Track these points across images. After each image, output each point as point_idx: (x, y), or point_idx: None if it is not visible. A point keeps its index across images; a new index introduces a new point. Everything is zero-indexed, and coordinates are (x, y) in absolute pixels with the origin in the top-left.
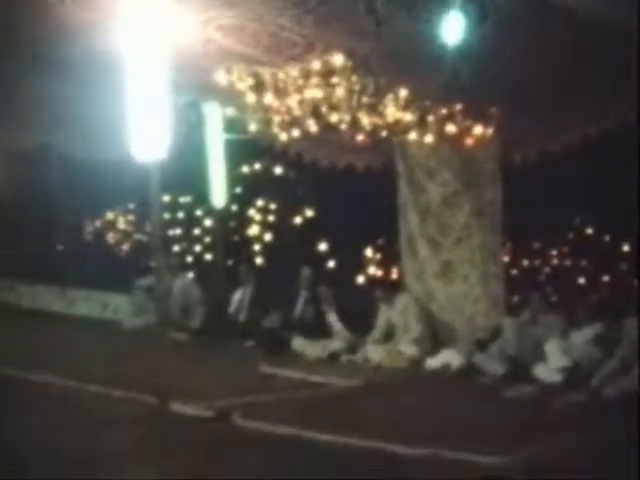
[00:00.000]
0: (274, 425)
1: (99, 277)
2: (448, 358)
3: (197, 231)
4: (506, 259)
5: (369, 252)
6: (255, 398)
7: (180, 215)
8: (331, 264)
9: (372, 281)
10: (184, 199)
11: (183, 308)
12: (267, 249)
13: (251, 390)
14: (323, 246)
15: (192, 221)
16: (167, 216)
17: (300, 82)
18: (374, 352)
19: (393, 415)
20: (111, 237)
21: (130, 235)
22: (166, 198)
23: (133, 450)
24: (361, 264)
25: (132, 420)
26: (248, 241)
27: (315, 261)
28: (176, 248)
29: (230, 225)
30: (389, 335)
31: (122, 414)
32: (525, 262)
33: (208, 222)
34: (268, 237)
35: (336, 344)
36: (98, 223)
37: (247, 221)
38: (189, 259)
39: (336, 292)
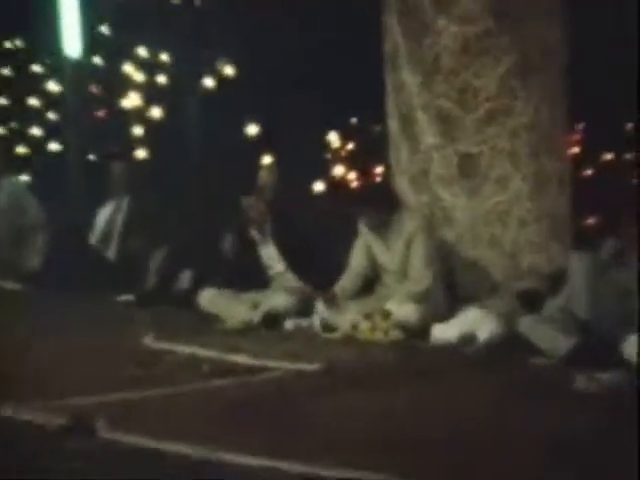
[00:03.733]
0: (159, 440)
1: None
2: (472, 324)
3: (34, 101)
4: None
5: (334, 139)
6: (133, 395)
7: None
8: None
9: (339, 189)
10: (10, 44)
11: (12, 234)
12: (155, 134)
13: (128, 380)
14: (252, 129)
15: (25, 83)
16: None
17: None
18: (341, 315)
19: (362, 434)
20: None
21: None
22: None
23: None
24: (321, 160)
25: None
26: (124, 119)
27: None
28: None
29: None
30: (369, 285)
31: None
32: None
33: (54, 86)
34: (156, 113)
35: (276, 300)
36: None
37: (120, 84)
38: (20, 150)
39: (276, 210)
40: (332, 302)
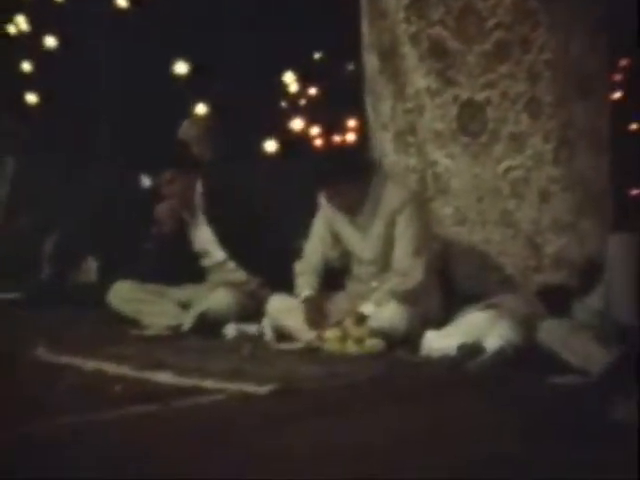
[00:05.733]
0: None
1: None
2: (476, 331)
3: None
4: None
5: (290, 81)
6: (15, 428)
7: None
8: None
9: (298, 149)
10: None
11: None
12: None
13: (9, 408)
14: (181, 68)
15: None
16: None
17: None
18: (295, 317)
19: None
20: None
21: None
22: None
23: None
24: (274, 109)
25: None
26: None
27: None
28: None
29: None
30: (336, 279)
31: None
32: None
33: None
34: (51, 42)
35: (213, 298)
36: None
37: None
38: None
39: (211, 180)
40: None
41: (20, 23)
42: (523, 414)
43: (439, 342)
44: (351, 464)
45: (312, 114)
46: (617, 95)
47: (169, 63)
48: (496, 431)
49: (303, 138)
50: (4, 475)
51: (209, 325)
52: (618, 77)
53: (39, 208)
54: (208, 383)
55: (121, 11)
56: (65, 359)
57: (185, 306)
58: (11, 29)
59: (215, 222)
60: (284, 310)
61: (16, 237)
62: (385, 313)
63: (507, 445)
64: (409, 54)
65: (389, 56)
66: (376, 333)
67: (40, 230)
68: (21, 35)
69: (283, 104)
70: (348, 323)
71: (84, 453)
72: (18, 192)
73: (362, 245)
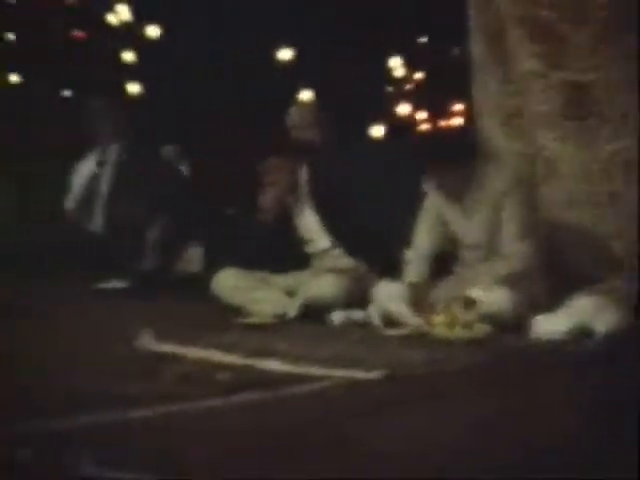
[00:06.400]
0: (159, 478)
1: None
2: (585, 314)
3: None
4: None
5: (397, 66)
6: (122, 415)
7: None
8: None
9: (404, 135)
10: None
11: None
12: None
13: (116, 396)
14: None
15: None
16: None
17: None
18: (402, 303)
19: (440, 466)
20: None
21: None
22: None
23: None
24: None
25: None
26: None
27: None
28: None
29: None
30: (445, 262)
31: None
32: None
33: None
34: (153, 32)
35: (319, 285)
36: None
37: None
38: None
39: (317, 166)
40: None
41: (121, 12)
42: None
43: (548, 326)
44: (462, 451)
45: (418, 99)
46: None
47: (273, 49)
48: (603, 417)
49: (409, 123)
50: (117, 460)
51: (315, 312)
52: None
53: (142, 197)
54: (315, 370)
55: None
56: (170, 348)
57: (291, 293)
58: (112, 19)
59: (320, 209)
60: (391, 296)
61: (119, 226)
62: (493, 298)
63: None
64: (515, 36)
65: (495, 39)
66: (484, 318)
67: (143, 219)
68: (122, 25)
69: (389, 89)
70: (456, 308)
71: (191, 441)
72: (121, 180)
73: (468, 229)
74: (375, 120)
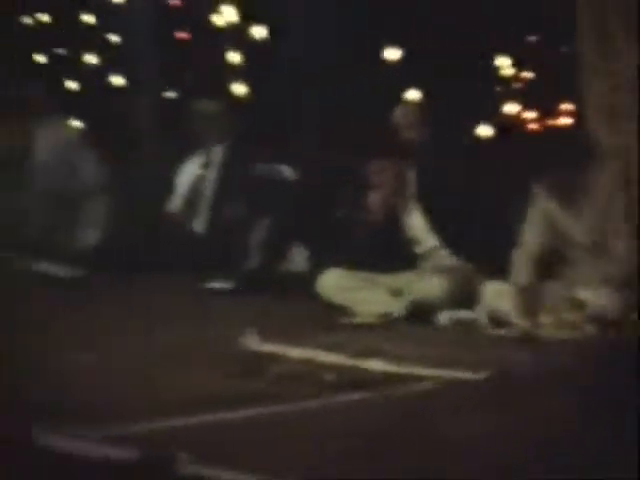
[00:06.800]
0: (263, 477)
1: None
2: None
3: (88, 17)
4: None
5: (503, 63)
6: (229, 415)
7: None
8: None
9: (512, 134)
10: None
11: (58, 201)
12: (259, 61)
13: (221, 396)
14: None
15: None
16: None
17: None
18: (510, 304)
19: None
20: None
21: None
22: None
23: None
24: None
25: None
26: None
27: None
28: None
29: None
30: (553, 263)
31: None
32: None
33: None
34: (259, 32)
35: (426, 285)
36: None
37: None
38: (70, 84)
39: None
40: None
41: (227, 14)
42: None
43: None
44: (566, 449)
45: (526, 98)
46: None
47: (379, 49)
48: None
49: (517, 122)
50: (219, 459)
51: (422, 312)
52: None
53: (247, 197)
54: (421, 370)
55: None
56: (274, 347)
57: (397, 293)
58: (218, 20)
59: (427, 208)
60: (499, 296)
61: (224, 226)
62: (601, 299)
63: None
64: (623, 34)
65: (604, 37)
66: (592, 319)
67: (248, 219)
68: (228, 26)
69: (497, 88)
70: (564, 309)
71: (294, 441)
72: (226, 181)
73: (578, 229)
74: (483, 119)
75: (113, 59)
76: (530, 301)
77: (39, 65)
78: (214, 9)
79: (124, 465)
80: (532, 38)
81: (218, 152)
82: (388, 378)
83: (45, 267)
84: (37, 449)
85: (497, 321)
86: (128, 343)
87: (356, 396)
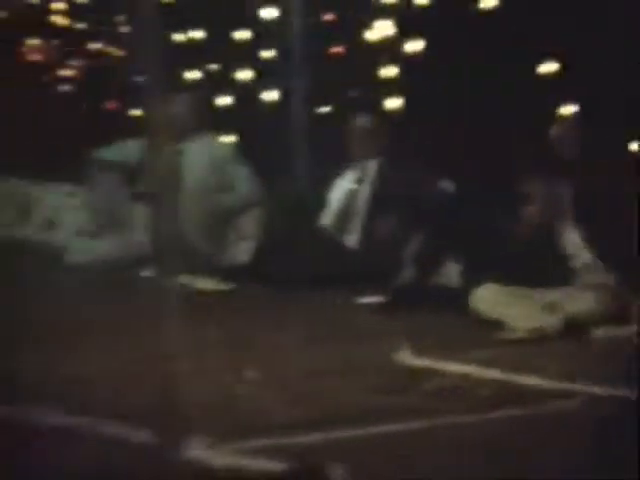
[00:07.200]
0: None
1: None
2: None
3: (242, 33)
4: None
5: None
6: (383, 429)
7: None
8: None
9: None
10: None
11: (213, 215)
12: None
13: (376, 410)
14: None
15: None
16: None
17: None
18: None
19: None
20: None
21: None
22: None
23: None
24: None
25: None
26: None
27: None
28: None
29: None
30: None
31: None
32: None
33: (270, 11)
34: (414, 47)
35: (581, 301)
36: None
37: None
38: (223, 100)
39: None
40: None
41: (383, 28)
42: None
43: None
44: None
45: None
46: None
47: (533, 62)
48: None
49: None
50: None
51: (576, 328)
52: None
53: (401, 212)
54: (576, 387)
55: (488, 12)
56: (428, 362)
57: (551, 308)
58: (372, 35)
59: (583, 224)
60: None
61: (377, 240)
62: None
63: None
64: None
65: None
66: None
67: (402, 234)
68: (384, 40)
69: None
70: None
71: (449, 456)
72: (380, 196)
73: None
74: None
75: (266, 74)
76: None
77: (192, 81)
78: (368, 24)
79: (279, 477)
80: None
81: (372, 167)
82: (542, 394)
83: (200, 282)
84: (190, 463)
85: None
86: (282, 358)
87: (511, 411)
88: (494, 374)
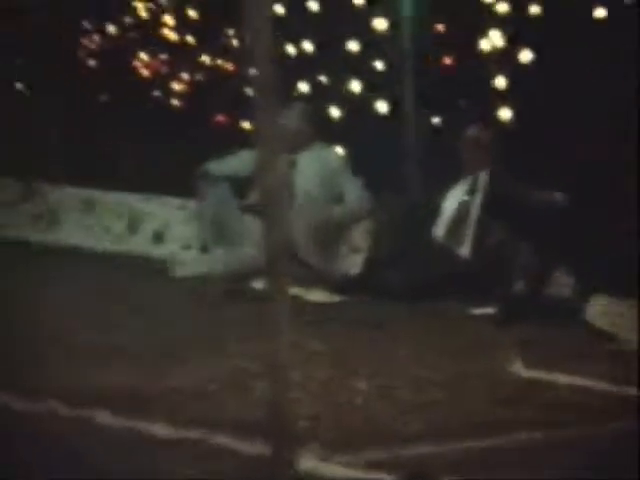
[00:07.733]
0: None
1: None
2: None
3: (353, 44)
4: None
5: None
6: (496, 442)
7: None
8: None
9: None
10: None
11: (323, 227)
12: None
13: (488, 423)
14: None
15: (338, 18)
16: None
17: None
18: None
19: None
20: None
21: None
22: None
23: None
24: None
25: None
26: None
27: None
28: None
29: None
30: None
31: None
32: None
33: (381, 22)
34: (525, 57)
35: None
36: None
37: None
38: (333, 112)
39: None
40: None
41: (494, 38)
42: None
43: None
44: None
45: None
46: None
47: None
48: None
49: None
50: None
51: None
52: None
53: (512, 223)
54: None
55: (600, 21)
56: (540, 374)
57: None
58: (485, 45)
59: None
60: None
61: (489, 251)
62: None
63: None
64: None
65: None
66: None
67: (513, 245)
68: (494, 50)
69: None
70: None
71: (565, 469)
72: (491, 207)
73: None
74: None
75: (378, 86)
76: None
77: (303, 93)
78: (480, 33)
79: None
80: None
81: (484, 178)
82: None
83: (312, 294)
84: (303, 476)
85: None
86: (396, 369)
87: (625, 424)
88: (607, 386)
